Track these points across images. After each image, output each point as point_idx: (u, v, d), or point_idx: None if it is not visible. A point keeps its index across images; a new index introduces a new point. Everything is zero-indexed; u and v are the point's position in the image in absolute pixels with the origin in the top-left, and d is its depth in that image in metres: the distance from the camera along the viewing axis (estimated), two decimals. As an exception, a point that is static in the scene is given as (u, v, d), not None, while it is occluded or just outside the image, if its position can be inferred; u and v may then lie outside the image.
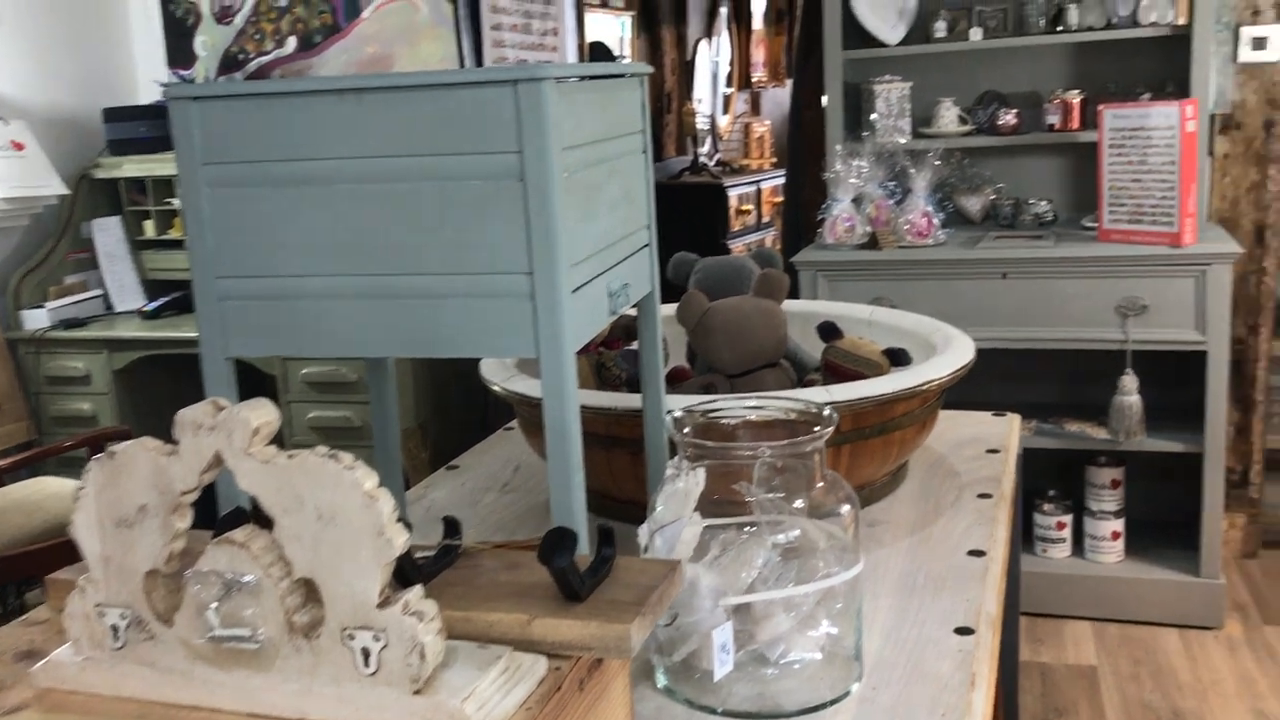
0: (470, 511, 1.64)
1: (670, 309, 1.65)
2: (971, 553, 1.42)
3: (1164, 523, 3.31)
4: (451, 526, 0.90)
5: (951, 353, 1.61)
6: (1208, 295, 2.95)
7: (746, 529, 1.07)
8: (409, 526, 0.74)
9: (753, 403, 1.19)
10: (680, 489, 1.06)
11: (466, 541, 0.94)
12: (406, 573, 0.80)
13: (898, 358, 1.59)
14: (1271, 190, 3.41)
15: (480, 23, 3.43)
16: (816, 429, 1.09)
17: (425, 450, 3.38)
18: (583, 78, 1.08)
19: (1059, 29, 3.27)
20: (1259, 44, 3.31)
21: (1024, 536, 3.35)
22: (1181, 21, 3.11)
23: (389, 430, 1.39)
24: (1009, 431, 1.91)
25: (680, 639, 1.03)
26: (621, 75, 1.19)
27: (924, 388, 1.50)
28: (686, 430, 1.10)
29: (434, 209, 0.98)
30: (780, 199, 5.94)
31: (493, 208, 0.96)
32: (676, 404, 1.22)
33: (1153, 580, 3.20)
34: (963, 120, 3.45)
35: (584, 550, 0.98)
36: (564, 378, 0.96)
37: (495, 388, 1.52)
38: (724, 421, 1.16)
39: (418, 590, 0.72)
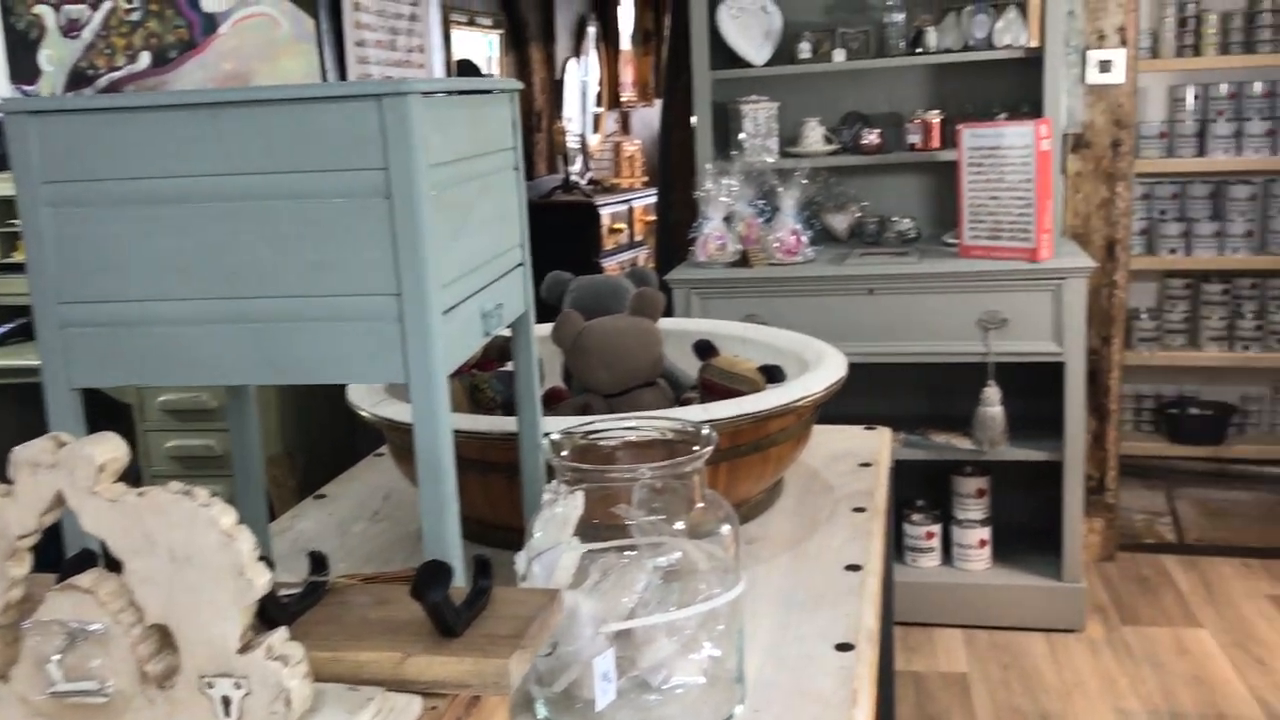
0: (339, 542, 1.58)
1: (545, 329, 1.63)
2: (849, 567, 1.43)
3: (1028, 529, 3.40)
4: (318, 562, 0.86)
5: (825, 368, 1.63)
6: (1064, 308, 3.05)
7: (627, 553, 1.05)
8: (271, 564, 0.70)
9: (631, 423, 1.17)
10: (558, 514, 1.04)
11: (335, 575, 0.89)
12: (270, 613, 0.76)
13: (773, 374, 1.59)
14: (1120, 207, 3.56)
15: (344, 39, 3.36)
16: (696, 448, 1.07)
17: (293, 478, 3.27)
18: (451, 93, 1.05)
19: (918, 51, 3.36)
20: (1105, 67, 3.45)
21: (895, 546, 3.41)
22: (1034, 44, 3.23)
23: (250, 460, 1.33)
24: (880, 445, 1.94)
25: (560, 668, 1.00)
26: (491, 91, 1.17)
27: (800, 403, 1.50)
28: (564, 453, 1.07)
29: (295, 228, 0.94)
30: (653, 218, 5.97)
31: (357, 227, 0.92)
32: (553, 426, 1.19)
33: (1019, 586, 3.29)
34: (828, 140, 3.52)
35: (461, 582, 0.95)
36: (435, 403, 0.93)
37: (363, 413, 1.48)
38: (602, 443, 1.13)
39: (282, 632, 0.68)
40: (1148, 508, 4.13)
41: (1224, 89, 4.21)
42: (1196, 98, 4.24)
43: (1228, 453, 4.31)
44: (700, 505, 1.08)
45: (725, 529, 1.08)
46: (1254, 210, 4.22)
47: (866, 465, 1.83)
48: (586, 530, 1.02)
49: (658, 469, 1.04)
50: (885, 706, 2.05)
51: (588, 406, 1.50)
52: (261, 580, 0.66)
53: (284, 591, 0.83)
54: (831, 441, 1.93)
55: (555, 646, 0.99)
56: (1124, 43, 3.44)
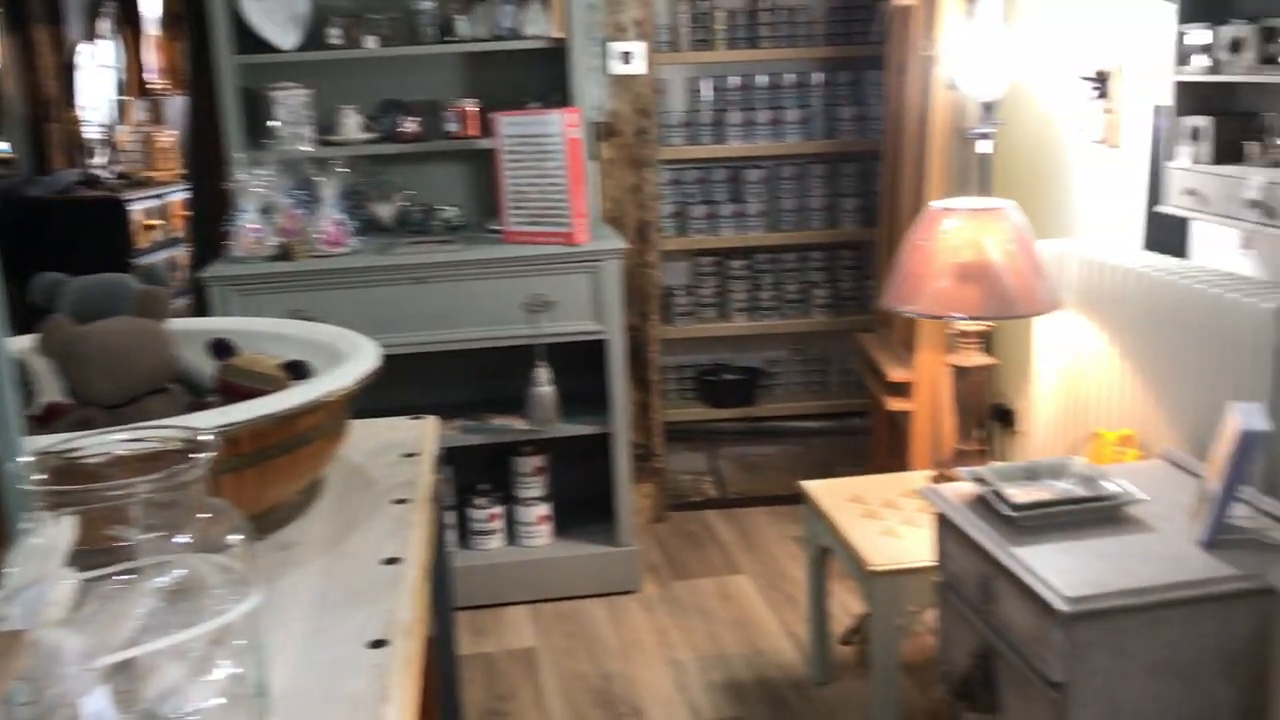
0: None
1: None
2: (387, 561, 1.40)
3: (586, 500, 3.54)
4: None
5: (356, 361, 1.59)
6: (602, 288, 3.21)
7: (125, 577, 0.96)
8: None
9: (125, 435, 1.08)
10: (41, 544, 0.93)
11: None
12: None
13: (299, 370, 1.53)
14: (648, 191, 3.79)
15: None
16: (195, 456, 1.00)
17: None
18: None
19: (450, 39, 3.38)
20: (626, 58, 3.65)
21: (461, 533, 3.44)
22: (559, 35, 3.35)
23: None
24: (425, 434, 1.93)
25: (46, 716, 0.90)
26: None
27: (328, 399, 1.46)
28: (41, 475, 0.96)
29: None
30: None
31: None
32: (36, 447, 1.07)
33: (579, 556, 3.43)
34: (367, 128, 3.45)
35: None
36: None
37: None
38: (89, 460, 1.03)
39: None
40: (693, 468, 4.45)
41: (735, 81, 4.59)
42: (714, 89, 4.59)
43: (758, 412, 4.74)
44: (207, 517, 1.01)
45: (237, 538, 1.02)
46: (766, 192, 4.64)
47: (411, 455, 1.82)
48: (86, 557, 0.93)
49: (152, 482, 0.96)
50: (449, 693, 2.06)
51: (88, 420, 1.37)
52: None
53: None
54: (376, 435, 1.90)
55: (38, 692, 0.89)
56: (641, 36, 3.66)
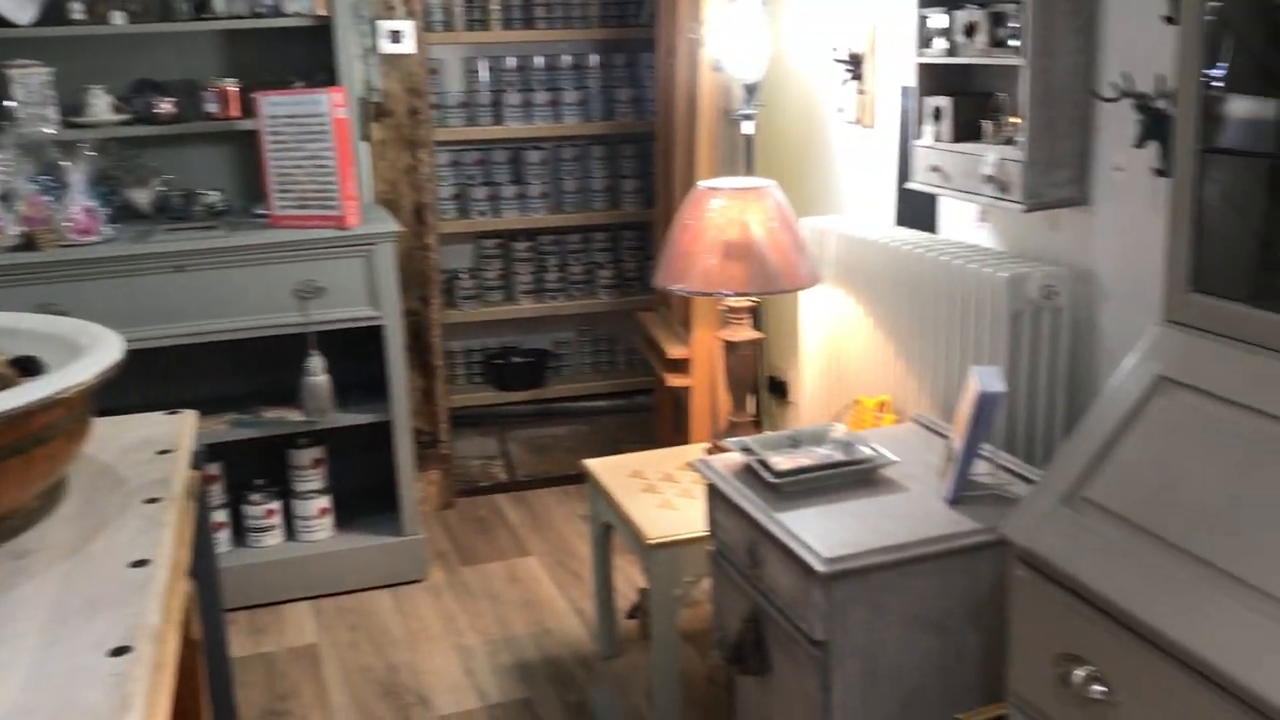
0: None
1: None
2: (135, 564, 1.34)
3: (368, 491, 3.47)
4: None
5: (94, 354, 1.50)
6: (376, 273, 3.14)
7: None
8: None
9: None
10: None
11: None
12: None
13: (29, 367, 1.44)
14: (424, 172, 3.73)
15: None
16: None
17: None
18: None
19: (205, 16, 3.23)
20: (395, 37, 3.57)
21: (236, 531, 3.31)
22: (322, 13, 3.25)
23: None
24: (182, 429, 1.85)
25: None
26: None
27: (61, 395, 1.37)
28: None
29: None
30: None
31: None
32: None
33: (362, 548, 3.36)
34: (118, 109, 3.27)
35: None
36: None
37: None
38: None
39: None
40: (482, 453, 4.43)
41: (512, 62, 4.56)
42: (491, 70, 4.56)
43: (548, 393, 4.75)
44: (-91, 527, 0.94)
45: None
46: (547, 173, 4.64)
47: (166, 452, 1.74)
48: None
49: None
50: (222, 696, 1.99)
51: None
52: None
53: None
54: (128, 432, 1.81)
55: None
56: (411, 14, 3.58)
